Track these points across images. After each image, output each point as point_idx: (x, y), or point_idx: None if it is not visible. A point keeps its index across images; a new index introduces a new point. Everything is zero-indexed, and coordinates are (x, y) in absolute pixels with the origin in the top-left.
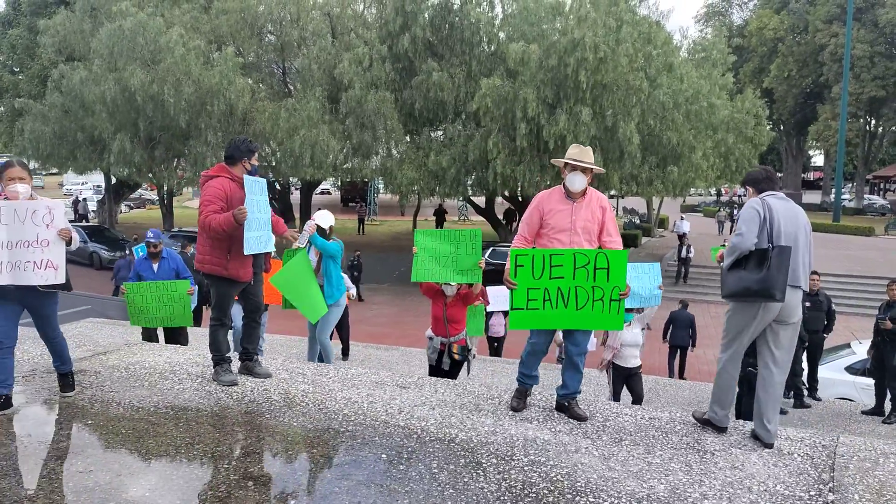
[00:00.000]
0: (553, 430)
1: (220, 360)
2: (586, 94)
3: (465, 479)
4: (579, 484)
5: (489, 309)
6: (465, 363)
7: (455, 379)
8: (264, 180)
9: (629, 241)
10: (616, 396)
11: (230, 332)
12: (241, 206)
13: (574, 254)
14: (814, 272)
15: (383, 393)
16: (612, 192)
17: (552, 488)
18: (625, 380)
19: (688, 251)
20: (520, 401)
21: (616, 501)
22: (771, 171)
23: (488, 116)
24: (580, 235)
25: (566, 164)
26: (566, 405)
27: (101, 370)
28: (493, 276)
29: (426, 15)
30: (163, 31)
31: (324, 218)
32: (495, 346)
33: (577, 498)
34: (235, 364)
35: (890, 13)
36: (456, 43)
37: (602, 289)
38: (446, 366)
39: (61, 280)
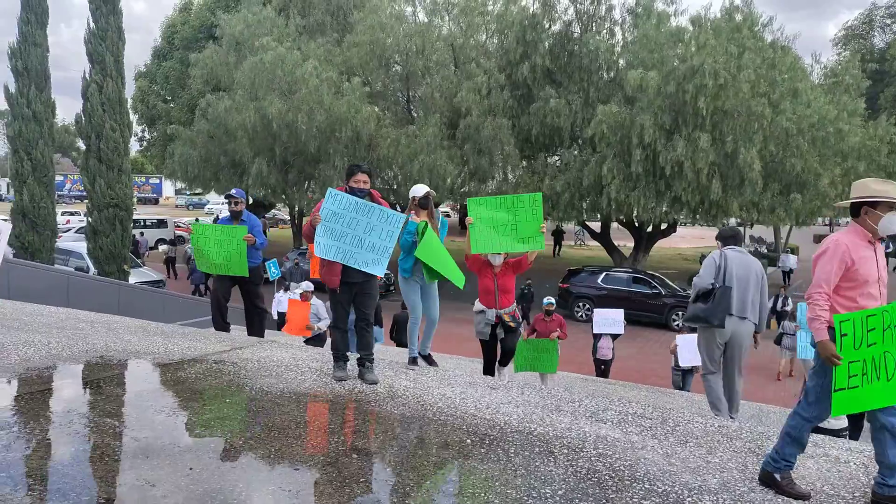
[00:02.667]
0: (624, 430)
1: (335, 357)
2: (705, 121)
3: (537, 463)
4: (639, 474)
5: (596, 331)
6: (518, 331)
7: (511, 346)
8: (362, 201)
9: None
10: None
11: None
12: (317, 213)
13: (883, 311)
14: None
15: (475, 391)
16: (733, 220)
17: (613, 475)
18: None
19: (784, 303)
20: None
21: (668, 489)
22: (737, 230)
23: (604, 142)
24: (884, 287)
25: (878, 202)
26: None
27: (237, 361)
28: (607, 301)
29: (546, 44)
30: (299, 63)
31: (418, 189)
32: (602, 369)
33: (634, 484)
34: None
35: None
36: (574, 70)
37: None
38: (500, 334)
39: None
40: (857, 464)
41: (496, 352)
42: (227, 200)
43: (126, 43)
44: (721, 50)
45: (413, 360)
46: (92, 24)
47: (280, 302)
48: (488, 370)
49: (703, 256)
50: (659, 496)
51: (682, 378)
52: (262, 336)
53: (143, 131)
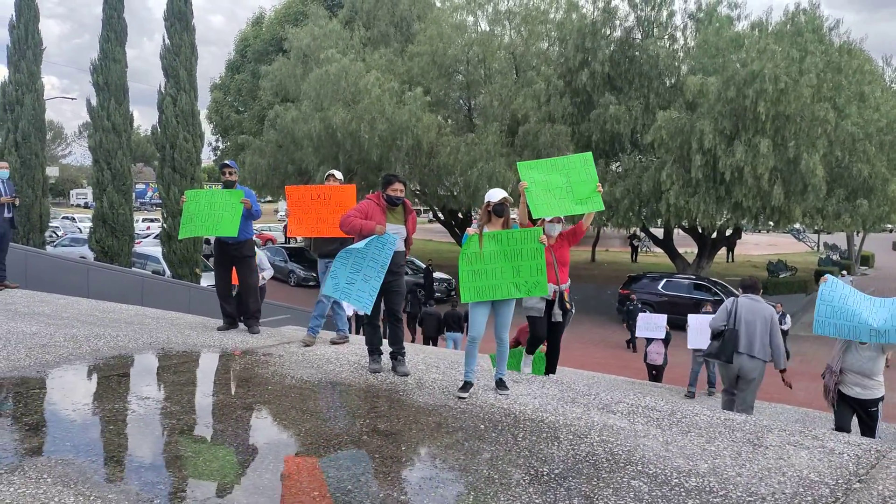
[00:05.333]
0: (632, 420)
1: (370, 351)
2: (766, 126)
3: (541, 446)
4: (634, 457)
5: (638, 334)
6: (570, 317)
7: (559, 341)
8: (389, 245)
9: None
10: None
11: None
12: (382, 226)
13: None
14: None
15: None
16: (796, 226)
17: (610, 458)
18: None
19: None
20: None
21: (659, 471)
22: (756, 280)
23: (663, 148)
24: None
25: None
26: None
27: (283, 354)
28: (667, 307)
29: (606, 50)
30: (362, 74)
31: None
32: (654, 374)
33: (628, 466)
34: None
35: None
36: (635, 76)
37: None
38: (558, 317)
39: None
40: (850, 455)
41: (545, 331)
42: (221, 170)
43: (199, 57)
44: (782, 55)
45: (466, 386)
46: (167, 41)
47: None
48: (534, 346)
49: (770, 264)
50: (648, 477)
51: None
52: (258, 314)
53: (216, 141)
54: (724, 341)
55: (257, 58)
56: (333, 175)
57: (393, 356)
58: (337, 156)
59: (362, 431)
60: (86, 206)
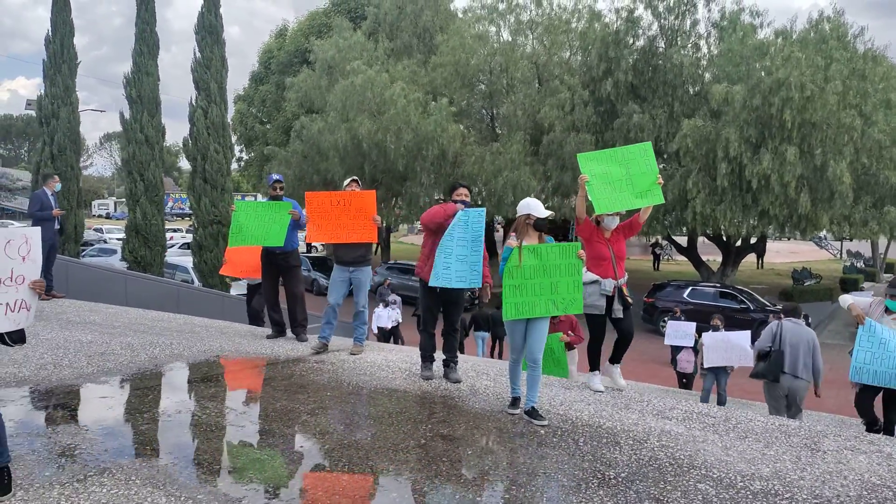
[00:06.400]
0: (688, 426)
1: (423, 357)
2: (792, 133)
3: (603, 451)
4: (697, 462)
5: (667, 342)
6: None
7: (631, 330)
8: (475, 218)
9: (849, 285)
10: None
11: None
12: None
13: None
14: None
15: (549, 391)
16: (823, 233)
17: (673, 462)
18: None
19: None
20: None
21: (723, 475)
22: (797, 306)
23: (688, 156)
24: None
25: None
26: None
27: (335, 362)
28: (693, 316)
29: (630, 59)
30: (388, 85)
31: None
32: (684, 382)
33: (692, 470)
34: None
35: None
36: (658, 85)
37: None
38: (618, 312)
39: (30, 322)
40: None
41: (604, 331)
42: (271, 184)
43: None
44: (808, 62)
45: (516, 402)
46: (198, 54)
47: (380, 317)
48: (595, 350)
49: (794, 271)
50: (713, 481)
51: (716, 378)
52: (306, 322)
53: (241, 151)
54: (771, 362)
55: (281, 69)
56: (357, 181)
57: (446, 363)
58: (363, 166)
59: (426, 436)
60: (107, 217)
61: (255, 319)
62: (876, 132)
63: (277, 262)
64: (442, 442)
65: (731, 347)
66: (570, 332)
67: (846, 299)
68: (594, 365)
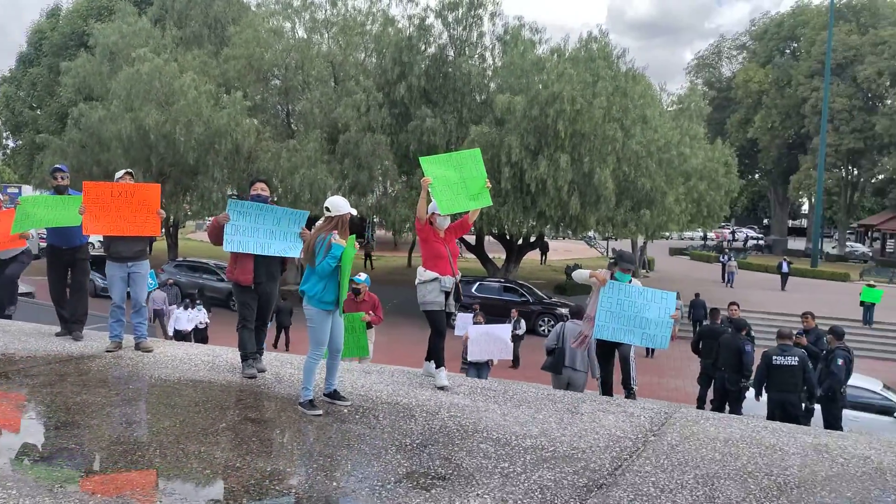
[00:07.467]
0: (473, 399)
1: (244, 356)
2: (565, 142)
3: (400, 423)
4: (480, 427)
5: (470, 359)
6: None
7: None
8: (263, 204)
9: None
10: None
11: None
12: (224, 215)
13: None
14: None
15: (351, 375)
16: (592, 233)
17: (460, 429)
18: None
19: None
20: None
21: (501, 436)
22: (581, 307)
23: None
24: None
25: None
26: None
27: (133, 357)
28: (487, 309)
29: (422, 65)
30: (177, 75)
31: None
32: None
33: (476, 434)
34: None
35: (868, 69)
36: (449, 91)
37: None
38: (452, 307)
39: None
40: (646, 417)
41: (445, 324)
42: (52, 174)
43: None
44: (578, 78)
45: (311, 404)
46: None
47: (178, 319)
48: (438, 346)
49: (567, 267)
50: (493, 441)
51: (477, 373)
52: (84, 318)
53: (7, 138)
54: (555, 357)
55: (55, 52)
56: (130, 174)
57: (252, 354)
58: (149, 158)
59: (234, 420)
60: None
61: None
62: (634, 144)
63: (65, 258)
64: (251, 425)
65: (493, 340)
66: (371, 311)
67: (582, 273)
68: (439, 361)
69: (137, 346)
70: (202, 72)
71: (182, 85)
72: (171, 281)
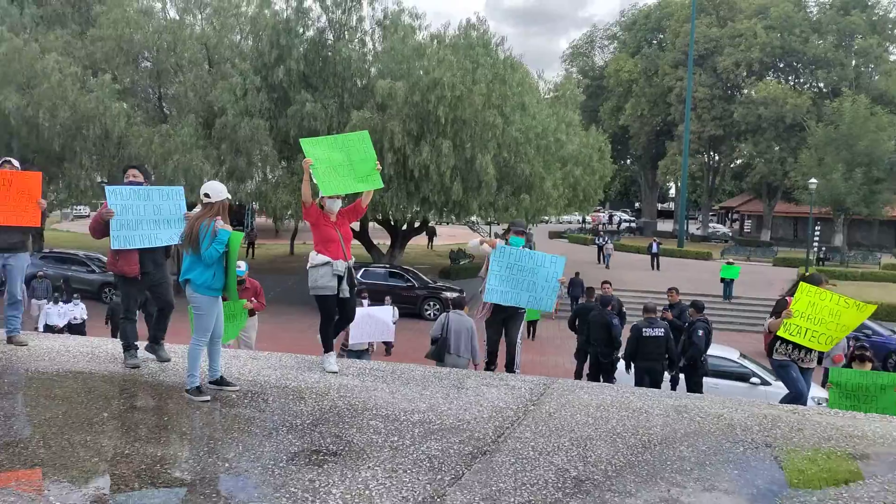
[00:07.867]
0: (362, 380)
1: (126, 347)
2: (447, 129)
3: (290, 405)
4: (369, 405)
5: (352, 342)
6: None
7: (353, 314)
8: (139, 187)
9: None
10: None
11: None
12: (107, 208)
13: None
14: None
15: (238, 361)
16: (475, 218)
17: (349, 408)
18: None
19: None
20: None
21: (390, 413)
22: (462, 299)
23: None
24: None
25: None
26: None
27: (5, 350)
28: (373, 295)
29: (301, 49)
30: (39, 57)
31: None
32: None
33: (365, 412)
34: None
35: (726, 60)
36: (329, 76)
37: None
38: (345, 292)
39: None
40: (526, 388)
41: (335, 310)
42: None
43: None
44: (458, 65)
45: (198, 390)
46: None
47: (49, 314)
48: (327, 332)
49: (452, 252)
50: (382, 417)
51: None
52: None
53: None
54: (438, 346)
55: None
56: (10, 162)
57: (154, 339)
58: (10, 144)
59: (120, 409)
60: None
61: None
62: (514, 130)
63: None
64: (138, 413)
65: (375, 322)
66: (253, 298)
67: (474, 242)
68: (328, 346)
69: (10, 341)
70: (66, 53)
71: (45, 67)
72: (41, 273)
